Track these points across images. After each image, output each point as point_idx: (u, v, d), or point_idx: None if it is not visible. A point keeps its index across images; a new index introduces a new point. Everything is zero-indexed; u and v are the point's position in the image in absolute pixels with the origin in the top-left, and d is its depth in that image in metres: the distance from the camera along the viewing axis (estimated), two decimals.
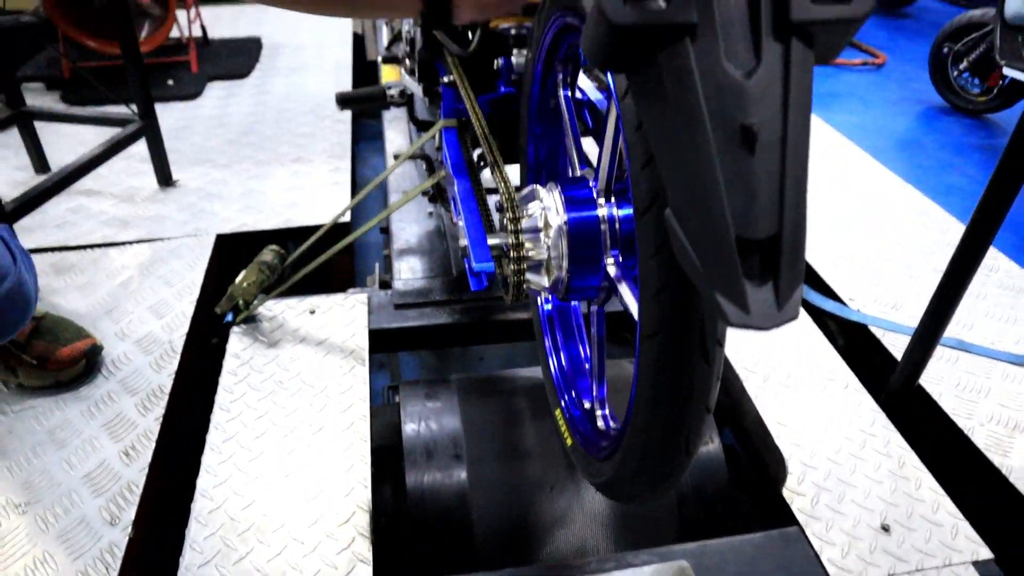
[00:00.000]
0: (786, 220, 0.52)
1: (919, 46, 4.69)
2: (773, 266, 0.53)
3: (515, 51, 1.21)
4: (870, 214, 1.93)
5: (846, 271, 1.68)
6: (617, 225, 0.86)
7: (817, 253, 1.74)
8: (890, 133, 3.57)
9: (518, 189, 0.93)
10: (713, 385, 0.68)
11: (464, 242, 0.93)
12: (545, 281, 0.87)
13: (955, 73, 3.63)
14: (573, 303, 1.18)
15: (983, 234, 1.15)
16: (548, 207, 0.87)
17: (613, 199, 0.86)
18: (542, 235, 0.87)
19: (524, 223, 0.89)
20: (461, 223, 0.96)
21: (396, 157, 1.53)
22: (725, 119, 0.51)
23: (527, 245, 0.87)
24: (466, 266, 0.92)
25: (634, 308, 0.74)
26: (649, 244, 0.63)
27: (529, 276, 0.88)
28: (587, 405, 1.04)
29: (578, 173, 0.94)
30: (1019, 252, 2.58)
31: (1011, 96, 3.47)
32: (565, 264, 0.86)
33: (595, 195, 0.86)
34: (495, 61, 1.22)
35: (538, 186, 0.88)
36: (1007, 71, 3.13)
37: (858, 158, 2.28)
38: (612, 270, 0.82)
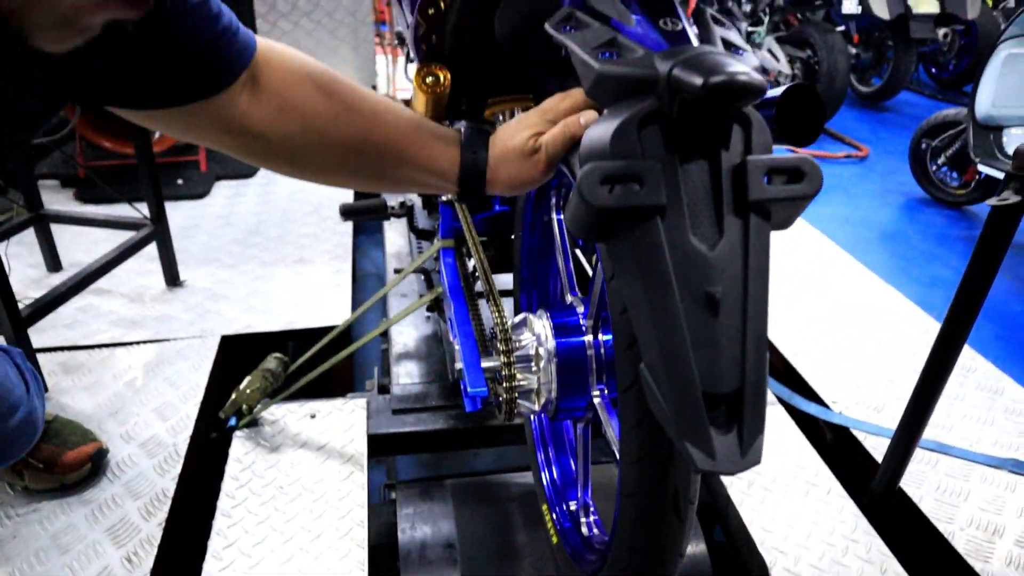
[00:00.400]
0: (748, 375, 0.59)
1: (901, 139, 4.88)
2: (737, 416, 0.59)
3: None
4: (852, 315, 2.01)
5: (829, 374, 1.74)
6: (603, 351, 0.93)
7: (802, 357, 1.80)
8: (875, 225, 3.69)
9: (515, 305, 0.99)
10: (685, 538, 0.73)
11: (459, 365, 0.99)
12: (536, 405, 0.93)
13: (934, 167, 3.77)
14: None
15: (956, 335, 1.20)
16: (538, 335, 0.94)
17: (600, 330, 0.93)
18: (533, 362, 0.93)
19: (516, 349, 0.95)
20: (457, 346, 1.03)
21: (397, 271, 1.61)
22: (691, 287, 0.58)
23: (519, 371, 0.93)
24: (461, 387, 0.99)
25: (615, 443, 0.80)
26: (631, 415, 0.69)
27: (520, 400, 0.94)
28: (575, 514, 1.09)
29: (568, 299, 1.01)
30: (1001, 342, 2.65)
31: (989, 189, 3.60)
32: (554, 388, 0.92)
33: (582, 323, 0.93)
34: None
35: (530, 315, 0.95)
36: (981, 168, 3.27)
37: (840, 259, 2.37)
38: (597, 400, 0.89)
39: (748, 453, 0.58)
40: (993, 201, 0.95)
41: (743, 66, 0.56)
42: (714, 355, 0.58)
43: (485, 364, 0.97)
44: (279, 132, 0.76)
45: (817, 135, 0.86)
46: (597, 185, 0.56)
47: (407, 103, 1.22)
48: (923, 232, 3.59)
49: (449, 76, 1.17)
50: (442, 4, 1.08)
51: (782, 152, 0.98)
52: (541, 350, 0.91)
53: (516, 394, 0.92)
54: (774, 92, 0.90)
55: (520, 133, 0.78)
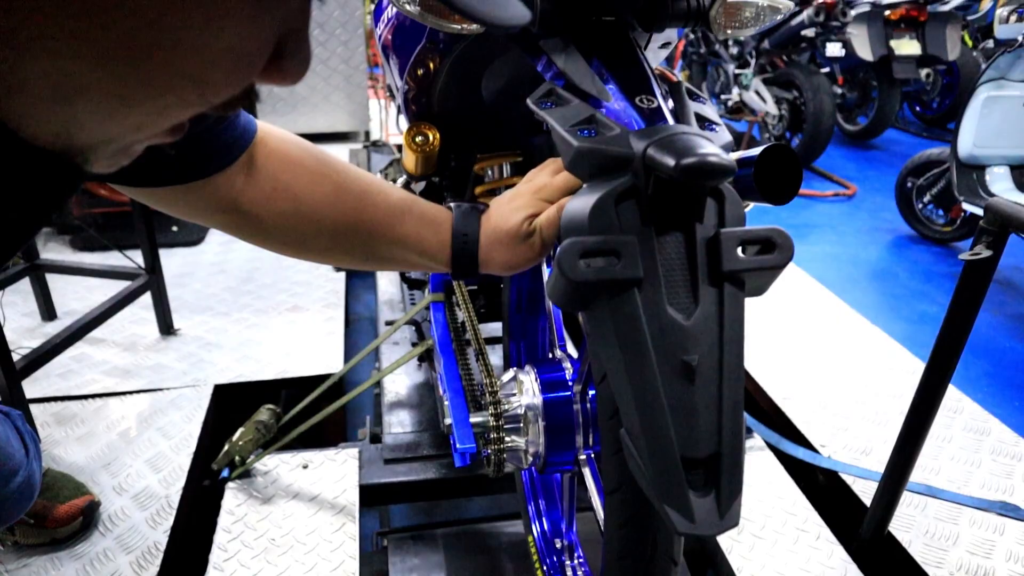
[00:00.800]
0: (724, 440, 0.61)
1: (887, 176, 4.95)
2: (715, 479, 0.61)
3: None
4: (839, 357, 2.03)
5: (817, 417, 1.76)
6: (589, 407, 0.94)
7: (791, 401, 1.82)
8: (863, 262, 3.73)
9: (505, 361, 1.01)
10: None
11: (448, 420, 1.01)
12: (524, 461, 0.95)
13: (920, 205, 3.83)
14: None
15: (938, 382, 1.22)
16: (526, 391, 0.96)
17: (589, 386, 0.94)
18: (521, 421, 0.95)
19: (504, 407, 0.97)
20: (446, 402, 1.04)
21: (388, 323, 1.63)
22: (669, 356, 0.60)
23: (507, 429, 0.95)
24: (451, 442, 1.00)
25: (599, 508, 0.82)
26: (611, 481, 0.71)
27: (509, 455, 0.95)
28: (564, 564, 1.09)
29: (558, 354, 1.03)
30: (989, 379, 2.67)
31: (974, 226, 3.63)
32: (542, 444, 0.94)
33: (569, 380, 0.95)
34: None
35: (518, 372, 0.97)
36: (965, 206, 3.32)
37: (826, 300, 2.40)
38: (583, 457, 0.90)
39: (726, 515, 0.60)
40: (966, 256, 0.97)
41: (714, 147, 0.59)
42: (691, 421, 0.60)
43: (474, 419, 0.99)
44: (272, 212, 0.77)
45: (795, 194, 0.90)
46: (576, 260, 0.58)
47: (399, 149, 1.25)
48: (911, 269, 3.63)
49: (438, 135, 1.20)
50: (431, 65, 1.11)
51: (762, 206, 1.02)
52: (529, 410, 0.93)
53: (504, 452, 0.93)
54: (752, 152, 0.93)
55: (514, 216, 0.77)
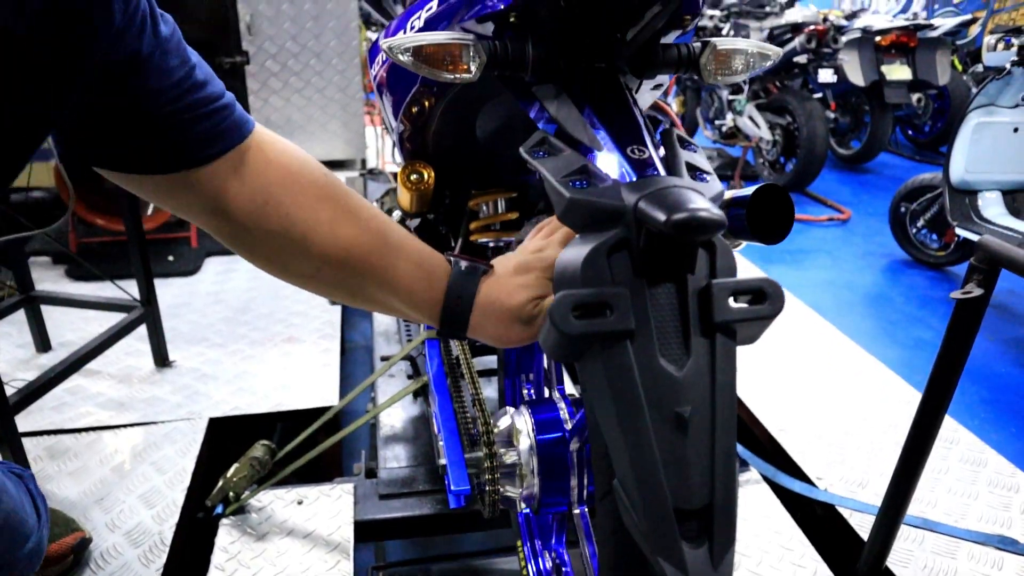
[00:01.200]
0: (717, 491, 0.61)
1: (882, 200, 4.97)
2: (708, 530, 0.61)
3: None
4: (835, 387, 2.03)
5: (814, 449, 1.76)
6: (583, 450, 0.94)
7: (787, 433, 1.81)
8: (858, 288, 3.74)
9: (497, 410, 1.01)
10: None
11: (442, 461, 1.00)
12: (518, 505, 0.94)
13: (914, 230, 3.84)
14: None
15: (935, 411, 1.21)
16: (520, 433, 0.95)
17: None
18: (515, 466, 0.95)
19: (498, 446, 0.97)
20: (441, 443, 1.04)
21: (384, 359, 1.63)
22: (661, 407, 0.60)
23: (502, 471, 0.95)
24: (446, 482, 1.00)
25: (590, 556, 0.81)
26: (604, 530, 0.70)
27: (504, 497, 0.95)
28: None
29: (554, 395, 1.03)
30: (987, 405, 2.67)
31: (969, 250, 3.67)
32: (536, 486, 0.93)
33: (564, 422, 0.95)
34: None
35: (512, 412, 0.97)
36: (959, 231, 3.34)
37: (822, 329, 2.41)
38: (575, 506, 0.90)
39: (720, 567, 0.60)
40: (957, 295, 0.98)
41: (704, 201, 0.59)
42: (684, 473, 0.60)
43: (468, 459, 0.99)
44: (260, 227, 0.73)
45: (787, 233, 0.90)
46: (569, 313, 0.59)
47: (396, 177, 1.24)
48: (906, 294, 3.64)
49: (433, 173, 1.21)
50: (426, 105, 1.12)
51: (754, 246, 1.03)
52: (522, 453, 0.93)
53: (499, 495, 0.93)
54: (744, 193, 0.94)
55: (519, 294, 0.74)
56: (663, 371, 0.61)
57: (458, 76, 0.78)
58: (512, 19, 0.81)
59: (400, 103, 1.14)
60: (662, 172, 0.68)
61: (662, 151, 0.73)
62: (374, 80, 1.24)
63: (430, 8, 0.90)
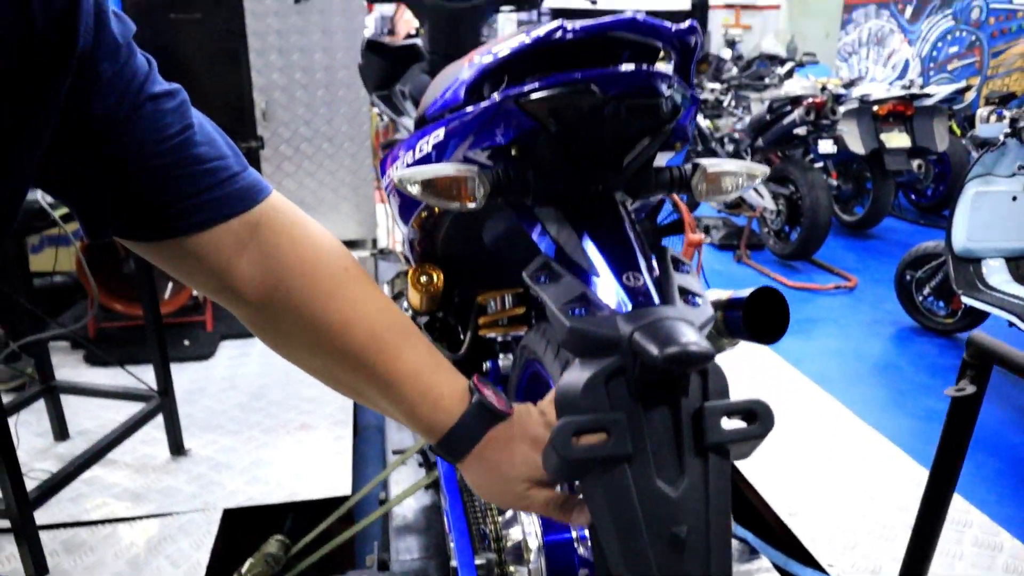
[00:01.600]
0: None
1: (888, 266, 5.00)
2: None
3: (501, 355, 1.37)
4: (843, 468, 2.03)
5: (824, 534, 1.75)
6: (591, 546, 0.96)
7: (797, 518, 1.81)
8: (867, 356, 3.74)
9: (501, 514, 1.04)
10: None
11: (454, 563, 1.02)
12: None
13: (920, 298, 3.86)
14: None
15: (940, 497, 1.21)
16: (527, 532, 0.98)
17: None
18: (523, 556, 0.97)
19: (506, 542, 0.99)
20: (451, 543, 1.06)
21: (396, 452, 1.66)
22: (658, 528, 0.63)
23: (511, 570, 0.97)
24: None
25: None
26: None
27: None
28: None
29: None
30: (1002, 477, 2.65)
31: (976, 317, 3.67)
32: None
33: None
34: (483, 364, 1.38)
35: (521, 513, 1.00)
36: (964, 299, 3.36)
37: (830, 407, 2.42)
38: None
39: None
40: (951, 392, 1.01)
41: (695, 334, 0.64)
42: None
43: (479, 561, 1.01)
44: (265, 313, 0.69)
45: (783, 334, 0.94)
46: (569, 439, 0.62)
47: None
48: (915, 363, 3.64)
49: (442, 275, 1.27)
50: (436, 212, 1.18)
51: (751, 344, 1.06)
52: (529, 551, 0.95)
53: None
54: (742, 294, 0.99)
55: (520, 468, 0.71)
56: (660, 492, 0.64)
57: (463, 205, 0.84)
58: (514, 152, 0.87)
59: (411, 212, 1.21)
60: (656, 300, 0.73)
61: (657, 271, 0.78)
62: (386, 190, 1.31)
63: (437, 136, 0.96)
